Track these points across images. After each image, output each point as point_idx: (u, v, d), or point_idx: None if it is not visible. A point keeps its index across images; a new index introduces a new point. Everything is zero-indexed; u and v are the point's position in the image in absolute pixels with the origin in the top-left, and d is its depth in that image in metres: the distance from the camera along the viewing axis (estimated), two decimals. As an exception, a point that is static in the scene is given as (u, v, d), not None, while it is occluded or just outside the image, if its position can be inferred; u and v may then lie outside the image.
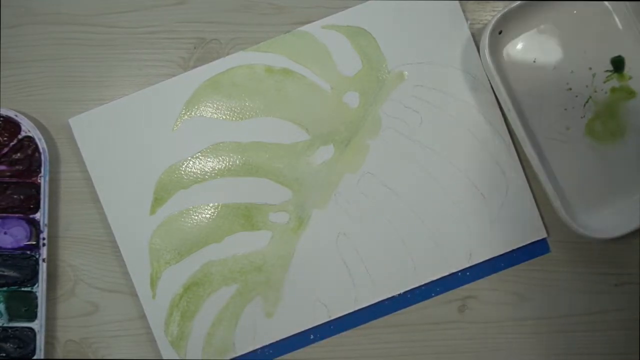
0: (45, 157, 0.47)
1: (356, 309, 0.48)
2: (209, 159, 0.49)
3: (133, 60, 0.49)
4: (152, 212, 0.48)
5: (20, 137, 0.47)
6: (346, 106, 0.49)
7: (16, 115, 0.47)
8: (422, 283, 0.48)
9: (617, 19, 0.49)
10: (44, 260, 0.47)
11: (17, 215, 0.47)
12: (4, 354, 0.47)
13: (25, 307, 0.47)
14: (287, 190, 0.49)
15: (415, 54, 0.49)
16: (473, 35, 0.49)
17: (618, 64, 0.49)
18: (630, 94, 0.49)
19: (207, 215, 0.48)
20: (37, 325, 0.46)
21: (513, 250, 0.49)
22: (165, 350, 0.47)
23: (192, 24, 0.49)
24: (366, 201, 0.49)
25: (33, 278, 0.47)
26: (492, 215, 0.49)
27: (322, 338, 0.49)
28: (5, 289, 0.47)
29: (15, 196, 0.47)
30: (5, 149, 0.47)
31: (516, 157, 0.49)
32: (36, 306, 0.47)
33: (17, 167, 0.47)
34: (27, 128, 0.47)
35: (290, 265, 0.48)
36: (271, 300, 0.48)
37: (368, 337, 0.49)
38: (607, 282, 0.50)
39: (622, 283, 0.50)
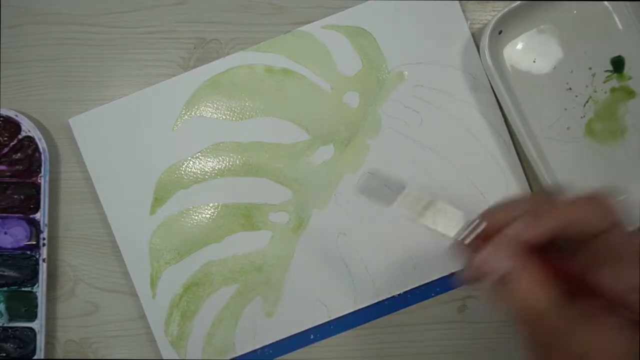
0: (45, 157, 0.47)
1: (356, 309, 0.48)
2: (209, 159, 0.49)
3: (133, 60, 0.49)
4: (152, 212, 0.48)
5: (20, 137, 0.47)
6: (346, 106, 0.49)
7: (16, 115, 0.47)
8: (422, 283, 0.48)
9: (617, 19, 0.49)
10: (44, 260, 0.47)
11: (17, 215, 0.47)
12: (4, 354, 0.47)
13: (25, 307, 0.47)
14: (287, 190, 0.49)
15: (415, 54, 0.49)
16: (473, 35, 0.49)
17: (618, 64, 0.49)
18: (630, 94, 0.49)
19: (207, 215, 0.48)
20: (37, 325, 0.46)
21: (513, 250, 0.49)
22: (165, 350, 0.47)
23: (192, 24, 0.49)
24: (366, 201, 0.48)
25: (33, 278, 0.47)
26: (492, 215, 0.49)
27: (322, 338, 0.49)
28: (5, 289, 0.47)
29: (15, 196, 0.47)
30: (5, 149, 0.47)
31: (516, 157, 0.49)
32: (36, 306, 0.47)
33: (17, 167, 0.47)
34: (27, 128, 0.47)
35: (290, 265, 0.48)
36: (271, 300, 0.48)
37: (368, 337, 0.49)
38: (607, 282, 0.49)
39: (622, 283, 0.49)
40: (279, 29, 0.49)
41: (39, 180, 0.47)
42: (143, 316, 0.48)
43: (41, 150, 0.47)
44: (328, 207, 0.48)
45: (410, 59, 0.49)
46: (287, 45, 0.49)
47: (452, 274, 0.49)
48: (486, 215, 0.33)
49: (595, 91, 0.49)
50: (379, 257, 0.48)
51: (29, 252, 0.47)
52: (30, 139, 0.47)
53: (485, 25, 0.48)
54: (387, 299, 0.48)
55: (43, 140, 0.47)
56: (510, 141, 0.49)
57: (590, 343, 0.28)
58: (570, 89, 0.49)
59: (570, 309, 0.29)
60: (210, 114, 0.49)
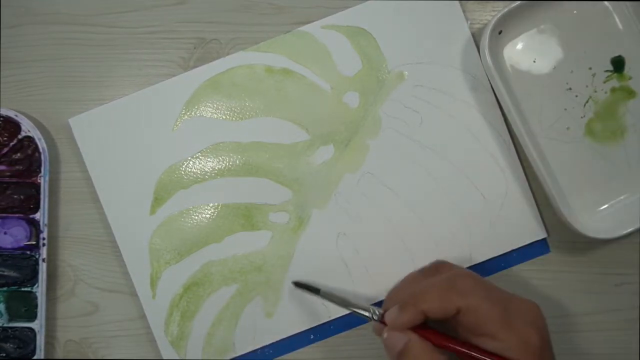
0: (45, 157, 0.47)
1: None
2: (209, 159, 0.49)
3: (133, 60, 0.49)
4: (152, 212, 0.48)
5: (20, 137, 0.47)
6: (346, 106, 0.49)
7: (16, 115, 0.47)
8: (422, 283, 0.48)
9: (617, 19, 0.49)
10: (44, 260, 0.47)
11: (17, 215, 0.47)
12: (4, 354, 0.47)
13: (25, 307, 0.47)
14: (287, 190, 0.49)
15: (415, 54, 0.49)
16: (473, 35, 0.49)
17: (618, 64, 0.49)
18: (630, 94, 0.49)
19: (207, 215, 0.48)
20: (37, 325, 0.46)
21: (513, 250, 0.49)
22: (165, 350, 0.47)
23: (192, 24, 0.49)
24: (366, 201, 0.49)
25: (33, 278, 0.47)
26: (492, 215, 0.49)
27: (322, 338, 0.49)
28: (5, 289, 0.47)
29: (15, 196, 0.47)
30: (5, 149, 0.47)
31: (516, 157, 0.49)
32: (36, 306, 0.47)
33: (17, 167, 0.47)
34: (27, 128, 0.47)
35: (290, 265, 0.48)
36: (271, 300, 0.48)
37: (368, 337, 0.49)
38: (607, 282, 0.50)
39: (622, 283, 0.50)
40: (279, 29, 0.49)
41: (38, 180, 0.47)
42: (143, 316, 0.48)
43: (41, 150, 0.47)
44: (328, 207, 0.48)
45: (410, 59, 0.49)
46: (287, 45, 0.49)
47: (452, 274, 0.49)
48: (385, 299, 0.44)
49: (595, 91, 0.49)
50: (379, 257, 0.48)
51: (29, 252, 0.47)
52: (30, 139, 0.47)
53: (485, 25, 0.48)
54: (387, 299, 0.48)
55: (43, 140, 0.47)
56: (510, 141, 0.49)
57: None
58: (570, 89, 0.49)
59: None
60: (210, 114, 0.49)
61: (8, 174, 0.47)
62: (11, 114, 0.47)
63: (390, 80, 0.49)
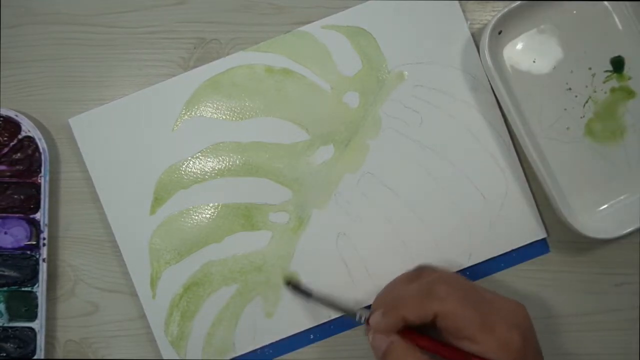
0: (45, 157, 0.47)
1: (356, 309, 0.48)
2: (209, 159, 0.49)
3: (133, 60, 0.49)
4: (152, 212, 0.48)
5: (20, 137, 0.47)
6: (346, 106, 0.49)
7: (16, 115, 0.47)
8: (422, 283, 0.48)
9: (617, 19, 0.49)
10: (44, 260, 0.47)
11: (17, 215, 0.47)
12: (4, 354, 0.47)
13: (25, 307, 0.47)
14: (287, 190, 0.49)
15: (415, 54, 0.49)
16: (473, 35, 0.49)
17: (618, 64, 0.49)
18: (630, 94, 0.49)
19: (207, 215, 0.48)
20: (37, 325, 0.46)
21: (513, 250, 0.49)
22: (165, 350, 0.47)
23: (192, 24, 0.49)
24: (366, 201, 0.49)
25: (33, 278, 0.47)
26: (492, 215, 0.49)
27: (322, 338, 0.49)
28: (5, 289, 0.47)
29: (15, 196, 0.47)
30: (5, 149, 0.47)
31: (516, 157, 0.49)
32: (36, 306, 0.47)
33: (17, 167, 0.47)
34: (27, 128, 0.47)
35: (290, 265, 0.48)
36: (271, 300, 0.48)
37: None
38: (607, 282, 0.50)
39: (622, 283, 0.50)
40: (279, 29, 0.49)
41: (39, 180, 0.47)
42: (143, 316, 0.48)
43: (41, 150, 0.47)
44: (328, 207, 0.49)
45: (410, 59, 0.49)
46: (287, 45, 0.49)
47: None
48: (373, 302, 0.45)
49: (595, 91, 0.49)
50: (379, 257, 0.48)
51: (29, 252, 0.47)
52: (30, 139, 0.47)
53: (485, 25, 0.48)
54: (387, 299, 0.48)
55: (43, 140, 0.47)
56: (510, 141, 0.49)
57: None
58: (570, 89, 0.49)
59: None
60: (210, 114, 0.49)
61: (8, 174, 0.47)
62: (11, 114, 0.47)
63: (390, 80, 0.49)
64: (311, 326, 0.48)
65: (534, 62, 0.49)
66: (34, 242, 0.47)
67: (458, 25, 0.49)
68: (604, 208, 0.49)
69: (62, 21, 0.49)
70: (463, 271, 0.49)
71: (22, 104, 0.49)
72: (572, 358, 0.49)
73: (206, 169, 0.48)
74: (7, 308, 0.47)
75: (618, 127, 0.49)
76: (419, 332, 0.40)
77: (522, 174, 0.49)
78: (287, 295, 0.48)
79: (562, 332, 0.49)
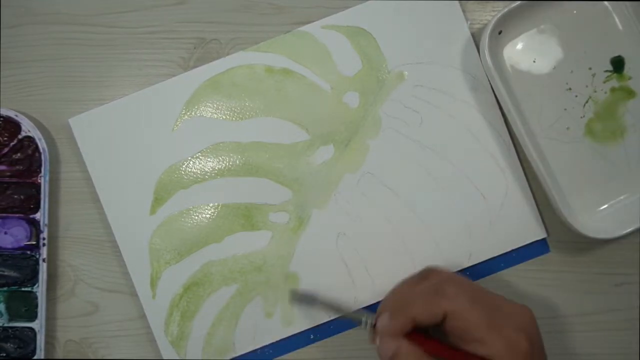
0: (45, 157, 0.47)
1: (356, 308, 0.48)
2: (209, 159, 0.49)
3: (133, 60, 0.49)
4: (152, 212, 0.48)
5: (20, 137, 0.47)
6: (346, 106, 0.49)
7: (16, 115, 0.47)
8: (422, 283, 0.48)
9: (617, 19, 0.49)
10: (44, 260, 0.47)
11: (17, 215, 0.47)
12: (4, 354, 0.47)
13: (25, 307, 0.47)
14: (287, 190, 0.49)
15: (415, 54, 0.49)
16: (473, 35, 0.49)
17: (618, 64, 0.49)
18: (630, 94, 0.49)
19: (207, 215, 0.48)
20: (37, 325, 0.46)
21: (513, 250, 0.49)
22: (165, 350, 0.47)
23: (192, 24, 0.49)
24: (366, 201, 0.49)
25: (33, 278, 0.47)
26: (492, 215, 0.49)
27: (322, 338, 0.49)
28: (5, 289, 0.47)
29: (15, 196, 0.47)
30: (5, 149, 0.47)
31: (516, 157, 0.49)
32: (36, 306, 0.47)
33: (17, 167, 0.47)
34: (27, 128, 0.47)
35: (290, 265, 0.48)
36: (271, 300, 0.48)
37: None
38: (607, 282, 0.50)
39: (622, 283, 0.50)
40: (279, 29, 0.49)
41: (39, 180, 0.47)
42: (143, 316, 0.48)
43: (41, 150, 0.47)
44: (328, 207, 0.49)
45: (410, 59, 0.49)
46: (287, 45, 0.49)
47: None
48: (379, 307, 0.44)
49: (595, 91, 0.49)
50: (379, 257, 0.48)
51: (29, 252, 0.47)
52: (30, 139, 0.47)
53: (485, 25, 0.48)
54: (387, 299, 0.48)
55: (43, 140, 0.47)
56: (510, 141, 0.49)
57: None
58: (570, 89, 0.49)
59: None
60: (210, 114, 0.49)
61: (8, 174, 0.47)
62: (11, 114, 0.47)
63: (390, 80, 0.49)
64: (311, 326, 0.48)
65: (534, 62, 0.49)
66: (34, 242, 0.47)
67: (458, 25, 0.49)
68: (604, 208, 0.49)
69: (62, 21, 0.49)
70: (463, 271, 0.49)
71: (22, 104, 0.49)
72: (572, 358, 0.49)
73: (206, 169, 0.48)
74: (7, 308, 0.47)
75: (618, 127, 0.49)
76: (426, 336, 0.40)
77: (522, 174, 0.49)
78: (287, 295, 0.48)
79: (562, 332, 0.49)
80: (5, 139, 0.47)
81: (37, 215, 0.47)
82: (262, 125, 0.49)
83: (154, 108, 0.48)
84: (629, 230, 0.46)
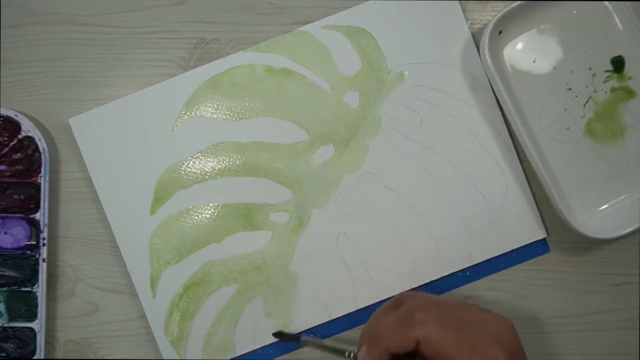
0: (45, 157, 0.47)
1: (356, 309, 0.48)
2: (209, 159, 0.49)
3: (133, 60, 0.49)
4: (152, 212, 0.48)
5: (20, 137, 0.47)
6: (346, 106, 0.49)
7: (16, 115, 0.47)
8: (422, 283, 0.48)
9: (617, 19, 0.49)
10: (44, 260, 0.47)
11: (17, 215, 0.47)
12: (4, 354, 0.47)
13: (25, 307, 0.47)
14: (287, 190, 0.49)
15: (415, 54, 0.49)
16: (473, 35, 0.49)
17: (618, 64, 0.49)
18: (630, 94, 0.49)
19: (207, 215, 0.48)
20: (37, 325, 0.46)
21: (513, 250, 0.49)
22: (165, 350, 0.47)
23: (192, 24, 0.49)
24: (366, 201, 0.49)
25: (33, 278, 0.47)
26: (492, 215, 0.49)
27: (322, 338, 0.49)
28: (5, 289, 0.47)
29: (15, 196, 0.47)
30: (5, 149, 0.47)
31: (516, 157, 0.49)
32: (36, 306, 0.47)
33: (17, 167, 0.47)
34: (27, 128, 0.47)
35: (290, 265, 0.48)
36: (271, 300, 0.48)
37: (368, 337, 0.49)
38: (607, 282, 0.50)
39: (622, 283, 0.50)
40: (279, 29, 0.49)
41: (39, 180, 0.47)
42: (143, 316, 0.48)
43: (41, 150, 0.47)
44: (328, 207, 0.49)
45: (410, 59, 0.49)
46: (287, 45, 0.49)
47: (452, 274, 0.49)
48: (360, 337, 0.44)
49: (595, 91, 0.49)
50: (379, 257, 0.48)
51: (29, 252, 0.47)
52: (30, 139, 0.47)
53: (485, 25, 0.48)
54: (387, 298, 0.48)
55: (43, 140, 0.47)
56: (510, 141, 0.49)
57: None
58: (570, 89, 0.49)
59: None
60: (210, 114, 0.49)
61: (8, 174, 0.47)
62: (11, 114, 0.47)
63: (390, 80, 0.49)
64: (311, 326, 0.48)
65: (534, 62, 0.49)
66: (34, 242, 0.47)
67: (458, 25, 0.49)
68: (604, 208, 0.49)
69: (62, 21, 0.49)
70: (463, 271, 0.49)
71: (22, 104, 0.49)
72: (572, 358, 0.49)
73: (206, 169, 0.48)
74: (7, 308, 0.47)
75: (618, 127, 0.49)
76: None
77: (522, 174, 0.49)
78: (287, 295, 0.48)
79: (562, 332, 0.49)
80: (5, 139, 0.47)
81: (37, 215, 0.47)
82: (262, 125, 0.49)
83: (154, 108, 0.48)
84: (629, 230, 0.46)
